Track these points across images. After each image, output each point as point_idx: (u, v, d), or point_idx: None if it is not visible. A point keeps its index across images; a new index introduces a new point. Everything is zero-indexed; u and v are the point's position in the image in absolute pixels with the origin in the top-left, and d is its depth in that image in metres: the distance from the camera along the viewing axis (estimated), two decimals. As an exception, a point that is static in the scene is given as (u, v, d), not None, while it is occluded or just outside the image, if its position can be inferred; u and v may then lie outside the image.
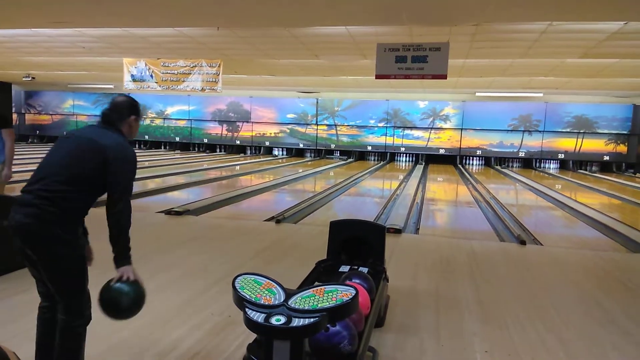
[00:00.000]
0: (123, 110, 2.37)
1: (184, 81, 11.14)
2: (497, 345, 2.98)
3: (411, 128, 18.80)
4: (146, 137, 21.60)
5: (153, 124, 21.50)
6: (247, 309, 1.94)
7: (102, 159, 2.16)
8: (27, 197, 2.13)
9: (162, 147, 21.63)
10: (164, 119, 21.33)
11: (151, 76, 11.30)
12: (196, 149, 21.41)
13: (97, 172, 2.17)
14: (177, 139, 21.35)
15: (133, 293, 2.20)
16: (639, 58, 9.14)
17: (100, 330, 2.93)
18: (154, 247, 4.99)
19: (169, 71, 11.20)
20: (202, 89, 11.05)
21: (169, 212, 6.77)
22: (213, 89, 11.01)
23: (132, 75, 11.39)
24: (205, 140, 21.08)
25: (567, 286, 4.27)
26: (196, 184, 10.96)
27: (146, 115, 21.33)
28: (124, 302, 2.19)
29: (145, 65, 11.27)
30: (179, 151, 20.81)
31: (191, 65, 10.98)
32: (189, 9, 6.59)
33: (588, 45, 8.17)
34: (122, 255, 2.21)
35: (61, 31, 8.57)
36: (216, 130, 20.89)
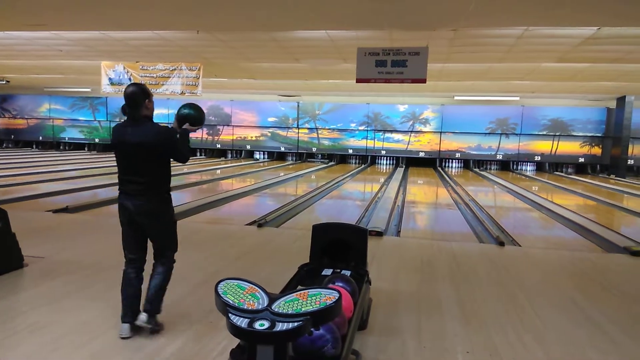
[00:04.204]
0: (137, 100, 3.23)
1: (163, 84, 11.04)
2: (478, 346, 3.02)
3: (391, 131, 18.95)
4: (125, 141, 21.27)
5: (132, 128, 21.16)
6: (230, 314, 1.93)
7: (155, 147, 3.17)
8: (131, 187, 3.01)
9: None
10: (143, 122, 21.02)
11: (129, 79, 11.16)
12: (176, 153, 21.16)
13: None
14: (157, 143, 21.04)
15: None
16: (612, 62, 9.40)
17: (79, 339, 2.89)
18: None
19: (147, 74, 11.08)
20: (182, 93, 10.97)
21: (148, 217, 6.68)
22: (193, 93, 10.93)
23: (110, 79, 11.25)
24: (185, 144, 20.83)
25: (545, 286, 4.35)
26: (176, 188, 10.84)
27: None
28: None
29: (124, 68, 11.14)
30: (158, 155, 20.55)
31: (171, 69, 10.90)
32: (169, 13, 6.55)
33: (563, 50, 8.36)
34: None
35: (37, 34, 8.42)
36: (196, 133, 20.69)
